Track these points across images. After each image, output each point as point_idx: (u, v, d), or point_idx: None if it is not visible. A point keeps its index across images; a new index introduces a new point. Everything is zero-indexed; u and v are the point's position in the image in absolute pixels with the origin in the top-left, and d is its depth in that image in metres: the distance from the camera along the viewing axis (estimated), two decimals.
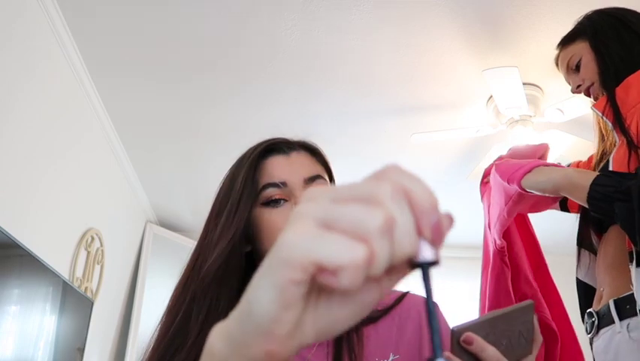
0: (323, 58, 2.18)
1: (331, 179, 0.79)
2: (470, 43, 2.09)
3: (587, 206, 0.95)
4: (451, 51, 2.13)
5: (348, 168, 3.07)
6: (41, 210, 1.99)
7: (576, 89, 1.19)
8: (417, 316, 0.71)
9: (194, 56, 2.17)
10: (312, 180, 0.72)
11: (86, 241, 2.42)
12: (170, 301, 0.69)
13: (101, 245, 2.61)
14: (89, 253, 2.46)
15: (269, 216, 0.69)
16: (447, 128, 2.52)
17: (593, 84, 1.14)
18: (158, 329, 0.68)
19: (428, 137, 2.51)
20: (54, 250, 2.10)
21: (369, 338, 0.69)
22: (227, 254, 0.67)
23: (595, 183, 0.92)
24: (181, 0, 1.88)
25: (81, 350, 2.25)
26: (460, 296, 3.78)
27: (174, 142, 2.84)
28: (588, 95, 1.17)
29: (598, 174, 0.96)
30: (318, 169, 0.75)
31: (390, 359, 0.67)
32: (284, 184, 0.70)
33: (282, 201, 0.70)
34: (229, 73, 2.27)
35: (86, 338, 2.28)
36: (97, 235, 2.55)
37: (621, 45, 1.08)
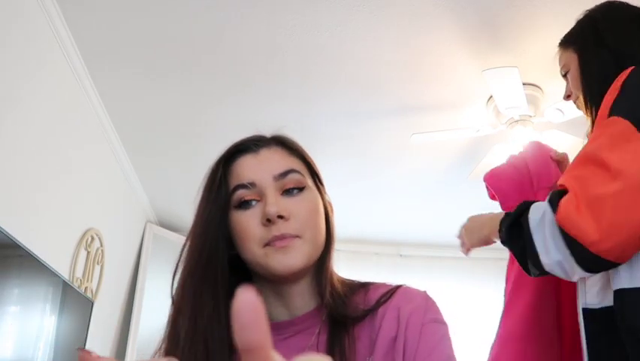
0: (323, 58, 2.18)
1: (311, 170, 0.75)
2: (470, 43, 2.09)
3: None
4: (452, 51, 2.13)
5: (349, 168, 3.08)
6: (41, 210, 1.99)
7: (566, 98, 1.18)
8: (395, 311, 0.68)
9: (194, 55, 2.17)
10: (283, 175, 0.69)
11: (86, 241, 2.42)
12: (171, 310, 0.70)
13: (101, 245, 2.61)
14: (89, 253, 2.46)
15: (240, 218, 0.68)
16: (447, 128, 2.52)
17: (578, 97, 1.11)
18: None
19: (428, 137, 2.51)
20: (54, 250, 2.10)
21: (359, 338, 0.67)
22: (205, 264, 0.68)
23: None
24: (182, 0, 1.88)
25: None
26: (460, 297, 3.78)
27: (174, 142, 2.84)
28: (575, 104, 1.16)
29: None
30: (292, 163, 0.72)
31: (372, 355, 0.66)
32: (252, 185, 0.68)
33: (253, 202, 0.68)
34: (229, 73, 2.27)
35: (85, 338, 2.28)
36: (97, 235, 2.55)
37: (601, 61, 1.04)
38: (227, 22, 1.98)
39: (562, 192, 0.86)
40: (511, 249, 0.96)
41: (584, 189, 0.82)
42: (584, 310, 0.92)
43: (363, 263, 3.96)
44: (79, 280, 2.36)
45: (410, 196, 3.40)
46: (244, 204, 0.68)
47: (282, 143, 0.74)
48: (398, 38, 2.06)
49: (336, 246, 0.76)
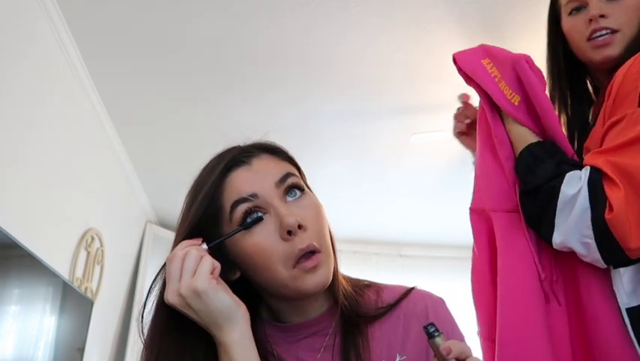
0: (324, 58, 2.18)
1: (300, 171, 0.73)
2: (471, 44, 2.07)
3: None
4: (452, 52, 2.11)
5: (349, 169, 3.08)
6: (41, 210, 1.99)
7: (594, 17, 1.00)
8: (422, 312, 0.69)
9: (195, 56, 2.17)
10: (282, 181, 0.66)
11: (86, 241, 2.42)
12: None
13: (101, 245, 2.61)
14: (89, 253, 2.46)
15: (253, 240, 0.64)
16: (447, 129, 2.51)
17: (617, 31, 0.98)
18: None
19: (428, 137, 2.51)
20: (54, 250, 2.10)
21: (375, 338, 0.68)
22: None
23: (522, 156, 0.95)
24: (182, 0, 1.88)
25: (81, 350, 2.25)
26: (459, 297, 3.78)
27: (174, 142, 2.84)
28: (591, 38, 1.02)
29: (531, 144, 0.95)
30: (285, 167, 0.69)
31: (397, 360, 0.66)
32: (254, 196, 0.64)
33: (259, 213, 0.64)
34: (230, 73, 2.27)
35: (86, 338, 2.28)
36: (97, 235, 2.55)
37: None
38: (228, 23, 1.98)
39: (600, 172, 0.81)
40: (523, 197, 0.91)
41: (632, 183, 0.78)
42: (628, 310, 0.87)
43: (364, 263, 3.96)
44: (79, 280, 2.36)
45: (410, 196, 3.40)
46: (250, 222, 0.63)
47: (269, 150, 0.71)
48: (399, 38, 2.06)
49: (337, 246, 0.75)
